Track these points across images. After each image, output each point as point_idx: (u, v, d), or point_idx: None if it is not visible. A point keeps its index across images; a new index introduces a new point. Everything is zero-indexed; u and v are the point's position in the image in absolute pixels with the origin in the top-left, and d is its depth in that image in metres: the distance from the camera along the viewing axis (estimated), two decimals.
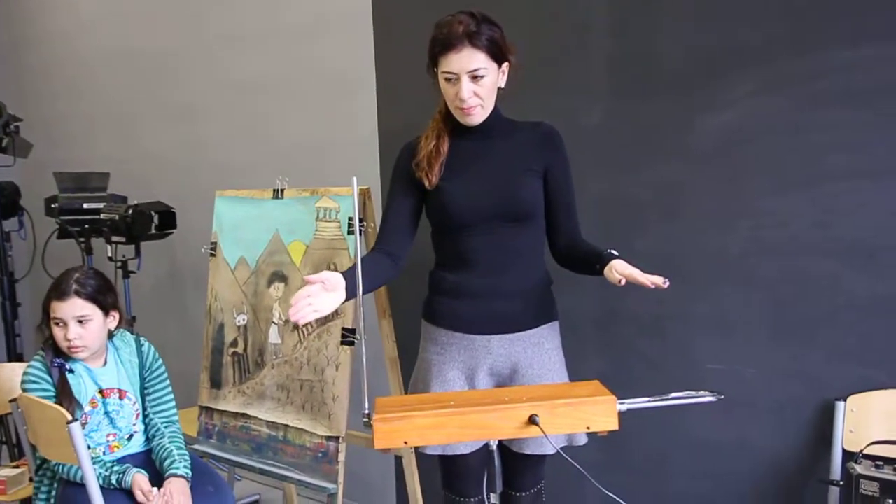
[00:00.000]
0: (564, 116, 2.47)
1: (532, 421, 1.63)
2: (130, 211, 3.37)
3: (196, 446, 2.79)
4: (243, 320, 2.72)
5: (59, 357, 2.28)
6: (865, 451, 2.13)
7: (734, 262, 2.34)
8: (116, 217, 3.38)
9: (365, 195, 2.48)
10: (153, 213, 3.44)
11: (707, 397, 1.75)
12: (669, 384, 2.48)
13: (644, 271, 1.81)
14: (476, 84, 1.95)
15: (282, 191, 2.65)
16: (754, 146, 2.27)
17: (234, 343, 2.74)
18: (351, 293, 1.85)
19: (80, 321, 2.26)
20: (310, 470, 2.46)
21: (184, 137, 3.93)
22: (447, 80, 1.97)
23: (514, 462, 2.14)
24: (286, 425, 2.54)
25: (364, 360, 1.71)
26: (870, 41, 2.08)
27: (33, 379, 2.25)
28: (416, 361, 2.20)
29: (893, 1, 2.05)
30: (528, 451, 2.08)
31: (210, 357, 2.82)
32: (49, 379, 2.25)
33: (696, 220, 2.39)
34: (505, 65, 2.00)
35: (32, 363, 2.28)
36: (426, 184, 2.05)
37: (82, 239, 3.64)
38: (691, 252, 2.40)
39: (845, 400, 2.19)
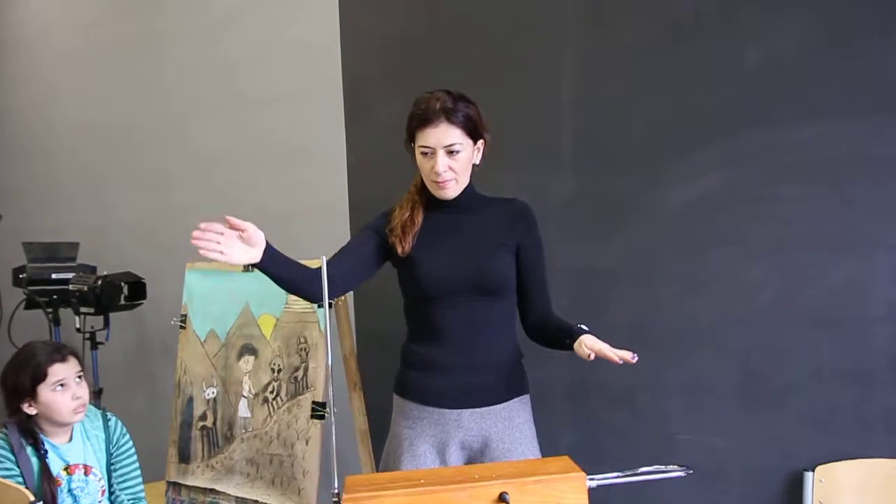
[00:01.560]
0: (535, 189, 2.53)
1: (502, 499, 1.62)
2: (99, 282, 3.34)
3: None
4: (213, 393, 2.69)
5: (24, 436, 2.23)
6: None
7: (704, 331, 2.37)
8: (85, 288, 3.35)
9: None
10: (123, 284, 3.42)
11: (676, 472, 1.75)
12: (640, 456, 2.49)
13: (613, 345, 1.84)
14: (451, 159, 1.99)
15: (252, 265, 2.65)
16: (720, 216, 2.33)
17: (203, 416, 2.70)
18: (268, 263, 1.89)
19: (79, 377, 2.28)
20: None
21: (154, 206, 3.94)
22: (423, 153, 2.01)
23: None
24: (255, 501, 2.50)
25: (333, 438, 1.69)
26: (825, 118, 2.16)
27: None
28: (388, 435, 2.18)
29: (846, 80, 2.14)
30: None
31: (178, 430, 2.78)
32: (12, 458, 2.20)
33: (665, 289, 2.42)
34: (480, 142, 2.04)
35: None
36: (399, 250, 2.07)
37: (50, 310, 3.60)
38: (662, 321, 2.43)
39: (813, 470, 2.21)
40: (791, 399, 2.24)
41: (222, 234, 1.76)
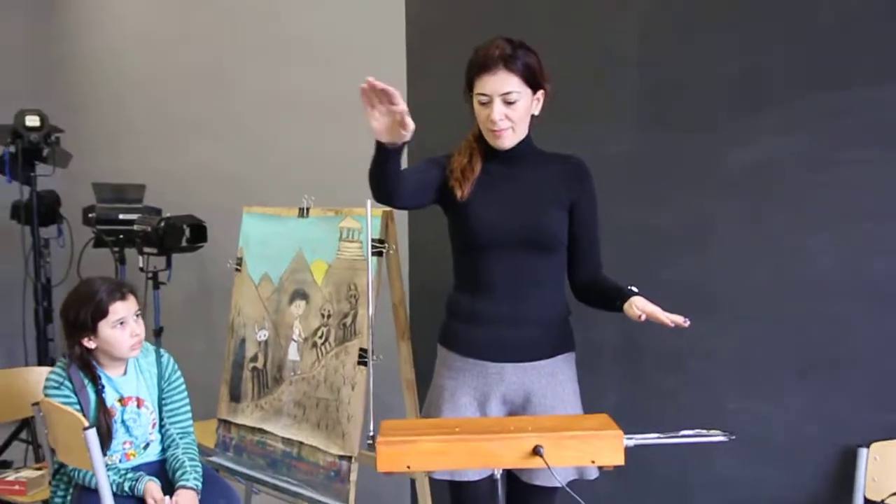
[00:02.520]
0: (594, 146, 2.47)
1: (536, 452, 1.61)
2: (163, 224, 3.41)
3: (213, 458, 2.81)
4: (264, 336, 2.74)
5: (83, 370, 2.31)
6: (888, 502, 2.07)
7: (759, 299, 2.30)
8: (149, 229, 3.43)
9: (388, 217, 2.48)
10: (185, 227, 3.48)
11: (718, 436, 1.72)
12: (687, 422, 2.40)
13: (665, 309, 1.82)
14: (508, 108, 1.96)
15: (307, 209, 2.67)
16: (781, 182, 2.24)
17: (255, 358, 2.76)
18: (396, 153, 1.83)
19: (137, 315, 2.36)
20: (322, 488, 2.46)
21: (219, 150, 4.00)
22: (481, 102, 1.98)
23: (523, 493, 2.11)
24: (301, 442, 2.54)
25: (371, 381, 1.71)
26: (893, 80, 2.05)
27: (54, 385, 2.29)
28: (430, 385, 2.19)
29: None
30: (536, 482, 2.05)
31: (231, 371, 2.84)
32: (70, 385, 2.29)
33: (722, 254, 2.35)
34: (540, 92, 2.01)
35: (55, 369, 2.32)
36: (458, 194, 2.04)
37: (116, 249, 3.71)
38: (717, 286, 2.36)
39: (868, 446, 2.13)
40: (848, 372, 2.16)
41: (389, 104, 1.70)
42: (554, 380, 2.08)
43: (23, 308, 4.09)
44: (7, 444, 3.58)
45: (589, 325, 2.37)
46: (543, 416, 2.00)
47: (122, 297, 2.32)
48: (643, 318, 1.84)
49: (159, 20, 4.36)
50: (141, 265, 3.56)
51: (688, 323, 1.80)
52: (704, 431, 1.72)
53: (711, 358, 2.38)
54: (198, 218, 3.56)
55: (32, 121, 3.46)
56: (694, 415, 2.40)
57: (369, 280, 1.74)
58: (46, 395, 2.28)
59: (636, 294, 1.92)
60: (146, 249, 3.52)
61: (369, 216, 1.67)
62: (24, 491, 2.58)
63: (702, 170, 2.37)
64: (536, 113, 2.04)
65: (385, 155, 1.83)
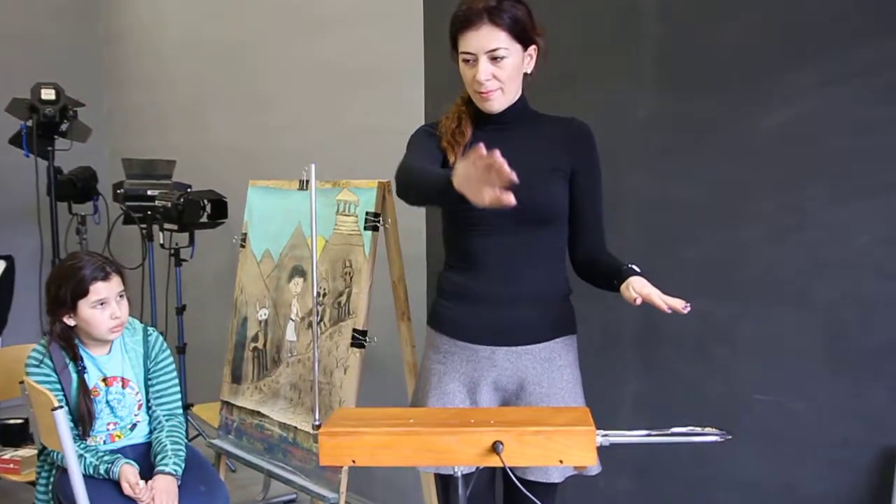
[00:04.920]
0: (608, 110, 2.26)
1: (494, 449, 1.43)
2: (182, 199, 3.34)
3: (216, 441, 2.73)
4: (264, 315, 2.63)
5: (64, 349, 2.24)
6: None
7: (789, 280, 2.03)
8: (168, 204, 3.37)
9: (384, 189, 2.32)
10: (205, 202, 3.41)
11: (712, 435, 1.49)
12: (711, 413, 2.21)
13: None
14: (496, 66, 1.76)
15: (307, 182, 2.53)
16: (817, 146, 1.96)
17: (256, 338, 2.65)
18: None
19: (121, 296, 2.26)
20: (314, 476, 2.34)
21: (247, 127, 3.90)
22: (465, 61, 1.80)
23: (516, 489, 1.92)
24: (296, 427, 2.42)
25: (316, 361, 1.54)
26: None
27: (34, 363, 2.22)
28: (419, 369, 2.03)
29: None
30: (530, 477, 1.86)
31: (233, 351, 2.74)
32: (50, 363, 2.22)
33: (748, 229, 2.09)
34: (532, 48, 1.80)
35: (37, 346, 2.25)
36: (451, 159, 1.86)
37: (144, 225, 3.65)
38: (742, 266, 2.11)
39: None
40: (887, 364, 1.88)
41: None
42: (551, 365, 1.88)
43: None
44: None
45: (606, 306, 2.16)
46: (511, 408, 1.81)
47: (105, 278, 2.22)
48: (638, 301, 1.63)
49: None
50: (161, 241, 3.51)
51: (687, 309, 1.59)
52: (698, 429, 1.50)
53: (737, 345, 2.14)
54: (218, 193, 3.48)
55: (48, 94, 3.42)
56: (717, 407, 2.16)
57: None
58: (27, 374, 2.21)
59: (637, 274, 1.71)
60: (167, 226, 3.46)
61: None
62: (17, 470, 2.54)
63: (727, 134, 2.11)
64: (529, 71, 1.84)
65: (451, 198, 1.56)
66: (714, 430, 1.48)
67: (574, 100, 2.29)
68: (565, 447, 1.42)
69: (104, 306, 2.21)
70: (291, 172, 2.71)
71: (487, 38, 1.74)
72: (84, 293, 2.19)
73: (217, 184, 3.61)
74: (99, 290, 2.21)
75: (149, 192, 3.68)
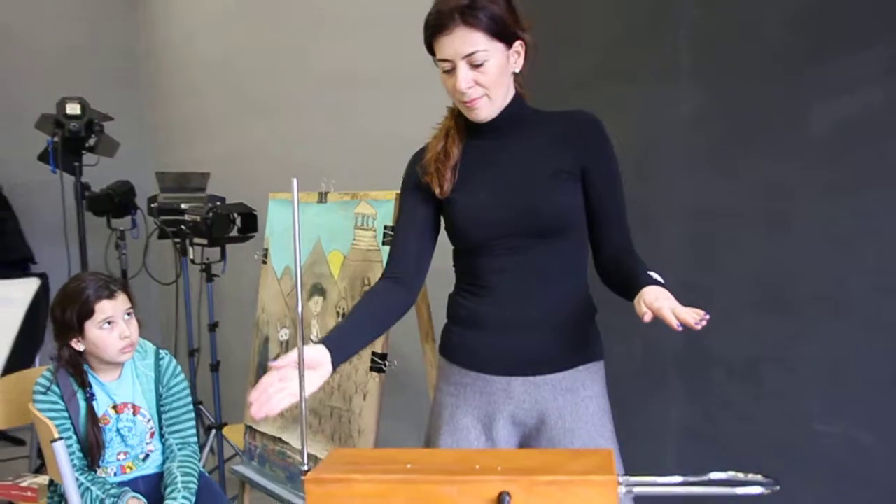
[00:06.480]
0: (644, 106, 2.05)
1: (500, 502, 1.24)
2: (211, 213, 3.24)
3: (238, 468, 2.60)
4: (285, 335, 2.49)
5: (73, 375, 2.14)
6: None
7: (853, 295, 1.79)
8: (198, 218, 3.27)
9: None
10: (235, 215, 3.30)
11: (756, 484, 1.28)
12: (767, 446, 1.98)
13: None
14: (477, 71, 1.57)
15: (326, 194, 2.39)
16: (883, 144, 1.72)
17: (277, 360, 2.51)
18: (341, 356, 1.54)
19: (128, 315, 2.17)
20: None
21: (285, 135, 3.79)
22: (444, 70, 1.61)
23: None
24: (316, 457, 2.27)
25: (303, 398, 1.37)
26: None
27: (41, 390, 2.13)
28: (431, 402, 1.85)
29: None
30: None
31: (256, 373, 2.61)
32: (57, 391, 2.13)
33: (804, 238, 1.86)
34: (517, 43, 1.60)
35: (44, 373, 2.17)
36: (436, 192, 1.70)
37: (177, 240, 3.57)
38: (797, 279, 1.87)
39: None
40: None
41: (281, 379, 1.44)
42: (574, 397, 1.69)
43: None
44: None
45: (646, 325, 1.95)
46: (522, 451, 1.62)
47: (110, 296, 2.12)
48: (647, 318, 1.39)
49: (214, 16, 4.22)
50: (191, 256, 3.42)
51: (702, 324, 1.34)
52: (741, 476, 1.28)
53: (794, 368, 1.90)
54: (248, 206, 3.37)
55: (73, 108, 3.37)
56: (773, 438, 1.93)
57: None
58: (33, 401, 2.13)
59: (656, 283, 1.47)
60: (196, 240, 3.36)
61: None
62: (35, 498, 2.46)
63: (778, 131, 1.88)
64: (518, 70, 1.64)
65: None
66: (759, 478, 1.26)
67: (606, 96, 2.08)
68: (582, 499, 1.23)
69: (112, 326, 2.11)
70: (313, 183, 2.58)
71: (463, 42, 1.55)
72: (90, 313, 2.10)
73: (252, 196, 3.50)
74: (104, 308, 2.11)
75: (182, 206, 3.60)
